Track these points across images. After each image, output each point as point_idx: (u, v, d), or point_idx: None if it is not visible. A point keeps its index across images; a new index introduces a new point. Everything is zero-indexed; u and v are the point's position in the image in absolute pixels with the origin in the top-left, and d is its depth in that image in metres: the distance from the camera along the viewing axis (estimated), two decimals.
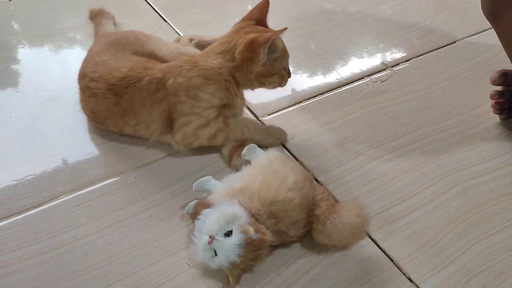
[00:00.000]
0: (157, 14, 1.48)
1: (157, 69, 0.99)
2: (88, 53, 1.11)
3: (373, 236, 0.90)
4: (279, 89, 1.11)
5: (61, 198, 0.95)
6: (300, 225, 0.85)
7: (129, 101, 0.99)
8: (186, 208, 0.89)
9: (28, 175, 0.99)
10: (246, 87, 1.03)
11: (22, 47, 1.34)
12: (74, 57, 1.28)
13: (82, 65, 1.09)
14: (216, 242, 0.76)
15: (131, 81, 0.98)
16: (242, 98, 1.06)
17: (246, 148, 0.97)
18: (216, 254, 0.77)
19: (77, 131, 1.08)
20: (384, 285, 0.83)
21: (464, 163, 1.04)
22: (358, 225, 0.85)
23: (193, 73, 0.96)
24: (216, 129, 0.99)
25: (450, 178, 1.01)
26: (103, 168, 1.00)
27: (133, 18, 1.45)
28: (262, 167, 0.89)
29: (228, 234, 0.76)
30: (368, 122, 1.13)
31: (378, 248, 0.88)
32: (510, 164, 1.04)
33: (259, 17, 1.02)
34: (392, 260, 0.87)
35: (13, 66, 1.27)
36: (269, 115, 1.15)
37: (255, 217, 0.81)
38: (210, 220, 0.79)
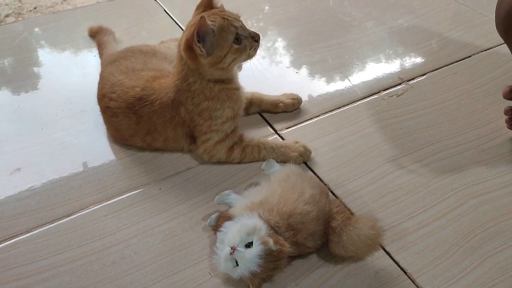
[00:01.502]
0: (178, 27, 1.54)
1: (163, 92, 1.03)
2: (101, 75, 1.15)
3: (388, 249, 0.93)
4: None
5: (90, 208, 1.00)
6: (317, 236, 0.89)
7: (151, 121, 1.04)
8: (208, 220, 0.94)
9: (60, 186, 1.05)
10: (223, 76, 1.02)
11: (48, 60, 1.40)
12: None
13: (98, 87, 1.13)
14: (237, 253, 0.80)
15: (146, 103, 1.03)
16: (238, 86, 1.07)
17: (264, 162, 1.03)
18: (237, 265, 0.81)
19: (104, 144, 1.14)
20: None
21: (477, 178, 1.07)
22: (372, 237, 0.88)
23: (198, 100, 1.01)
24: (233, 142, 1.05)
25: (463, 193, 1.03)
26: (129, 179, 1.06)
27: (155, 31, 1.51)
28: (280, 181, 0.93)
29: (249, 245, 0.81)
30: (383, 136, 1.16)
31: (392, 261, 0.92)
32: None
33: (206, 1, 1.00)
34: (405, 273, 0.90)
35: (42, 80, 1.34)
36: (287, 128, 1.19)
37: (274, 229, 0.85)
38: (232, 232, 0.83)
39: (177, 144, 1.08)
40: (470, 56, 1.42)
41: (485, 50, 1.44)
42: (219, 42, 0.95)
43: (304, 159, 1.08)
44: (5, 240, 0.95)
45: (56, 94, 1.29)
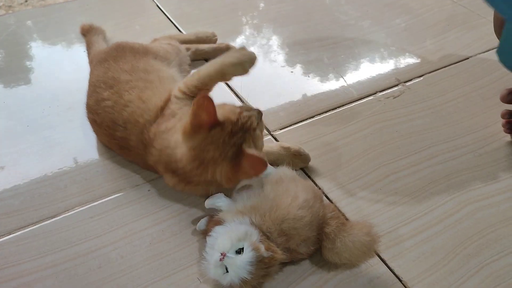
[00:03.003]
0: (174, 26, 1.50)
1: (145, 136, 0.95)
2: (89, 79, 1.09)
3: (383, 256, 0.91)
4: (291, 103, 1.12)
5: (76, 209, 0.97)
6: (310, 242, 0.86)
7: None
8: (198, 224, 0.91)
9: (45, 185, 1.01)
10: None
11: (38, 54, 1.36)
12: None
13: (87, 93, 1.08)
14: (227, 259, 0.77)
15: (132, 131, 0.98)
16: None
17: None
18: (227, 271, 0.78)
19: (92, 143, 1.10)
20: None
21: (475, 184, 1.04)
22: (367, 243, 0.86)
23: None
24: None
25: (460, 199, 1.01)
26: (117, 180, 1.02)
27: (149, 29, 1.47)
28: (273, 185, 0.90)
29: (239, 251, 0.78)
30: (379, 138, 1.14)
31: (387, 268, 0.89)
32: None
33: (208, 121, 0.86)
34: (401, 281, 0.87)
35: (31, 75, 1.30)
36: (281, 129, 1.16)
37: (266, 235, 0.82)
38: (222, 237, 0.80)
39: None
40: (467, 58, 1.40)
41: (483, 53, 1.42)
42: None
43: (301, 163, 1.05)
44: None
45: (44, 90, 1.24)
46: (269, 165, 0.98)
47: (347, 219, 0.94)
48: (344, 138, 1.14)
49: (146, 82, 1.02)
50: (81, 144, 1.10)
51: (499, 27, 1.04)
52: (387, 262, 0.90)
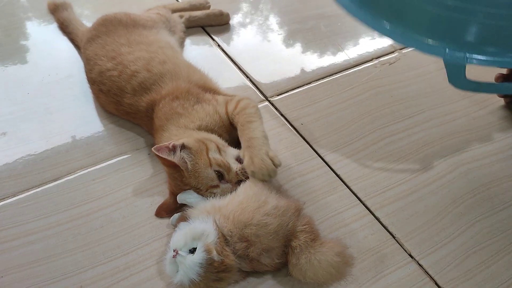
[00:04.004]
0: None
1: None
2: (85, 54, 1.11)
3: (377, 214, 0.93)
4: (289, 69, 1.13)
5: (78, 172, 0.99)
6: (275, 254, 0.80)
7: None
8: (171, 219, 0.90)
9: (46, 150, 1.03)
10: None
11: (34, 26, 1.36)
12: None
13: (85, 68, 1.10)
14: (179, 257, 0.75)
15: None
16: None
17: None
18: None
19: (92, 109, 1.12)
20: (386, 260, 0.87)
21: (468, 146, 1.07)
22: (336, 265, 0.80)
23: None
24: None
25: (453, 160, 1.03)
26: (117, 144, 1.04)
27: None
28: (246, 188, 0.85)
29: (193, 251, 0.75)
30: (374, 104, 1.16)
31: (381, 226, 0.92)
32: None
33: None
34: (394, 237, 0.90)
35: (28, 44, 1.30)
36: (278, 95, 1.17)
37: (226, 238, 0.78)
38: (178, 234, 0.78)
39: None
40: None
41: None
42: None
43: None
44: None
45: (43, 59, 1.25)
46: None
47: (317, 237, 0.84)
48: (340, 103, 1.16)
49: (148, 53, 1.03)
50: (81, 110, 1.11)
51: None
52: (381, 220, 0.93)
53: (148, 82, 0.99)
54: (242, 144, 0.90)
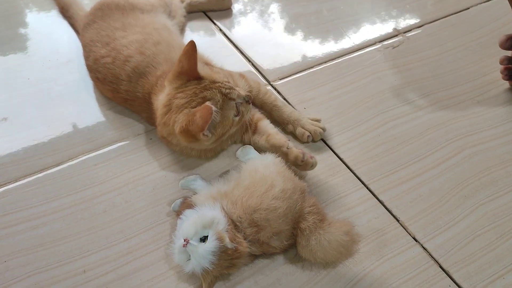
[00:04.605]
0: None
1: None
2: (82, 41, 1.10)
3: (380, 198, 0.93)
4: (291, 54, 1.12)
5: (80, 157, 0.98)
6: (284, 236, 0.80)
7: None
8: (172, 205, 0.89)
9: (48, 135, 1.02)
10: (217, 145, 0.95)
11: (33, 12, 1.35)
12: None
13: (83, 54, 1.09)
14: (190, 246, 0.74)
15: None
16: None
17: (240, 149, 0.96)
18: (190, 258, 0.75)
19: (92, 94, 1.11)
20: (390, 244, 0.86)
21: (473, 129, 1.06)
22: (345, 244, 0.80)
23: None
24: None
25: (458, 143, 1.03)
26: (119, 130, 1.03)
27: None
28: (251, 172, 0.85)
29: (204, 239, 0.74)
30: (378, 88, 1.15)
31: (385, 209, 0.91)
32: None
33: (188, 69, 0.87)
34: (398, 221, 0.90)
35: (28, 30, 1.29)
36: (280, 80, 1.16)
37: (236, 224, 0.78)
38: (188, 223, 0.77)
39: None
40: (468, 8, 1.39)
41: (483, 3, 1.41)
42: (222, 121, 0.87)
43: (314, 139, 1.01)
44: None
45: (42, 45, 1.24)
46: (252, 149, 0.95)
47: (325, 217, 0.84)
48: (343, 87, 1.15)
49: (142, 35, 1.02)
50: (82, 95, 1.11)
51: None
52: (385, 203, 0.92)
53: (142, 65, 0.97)
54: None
